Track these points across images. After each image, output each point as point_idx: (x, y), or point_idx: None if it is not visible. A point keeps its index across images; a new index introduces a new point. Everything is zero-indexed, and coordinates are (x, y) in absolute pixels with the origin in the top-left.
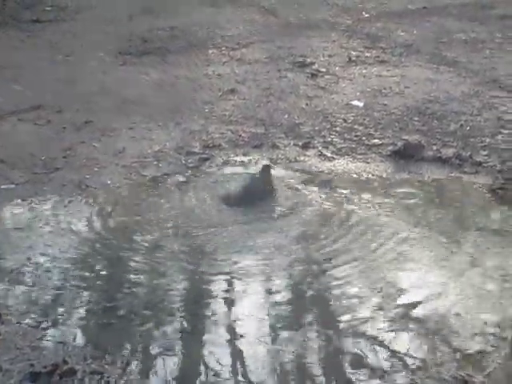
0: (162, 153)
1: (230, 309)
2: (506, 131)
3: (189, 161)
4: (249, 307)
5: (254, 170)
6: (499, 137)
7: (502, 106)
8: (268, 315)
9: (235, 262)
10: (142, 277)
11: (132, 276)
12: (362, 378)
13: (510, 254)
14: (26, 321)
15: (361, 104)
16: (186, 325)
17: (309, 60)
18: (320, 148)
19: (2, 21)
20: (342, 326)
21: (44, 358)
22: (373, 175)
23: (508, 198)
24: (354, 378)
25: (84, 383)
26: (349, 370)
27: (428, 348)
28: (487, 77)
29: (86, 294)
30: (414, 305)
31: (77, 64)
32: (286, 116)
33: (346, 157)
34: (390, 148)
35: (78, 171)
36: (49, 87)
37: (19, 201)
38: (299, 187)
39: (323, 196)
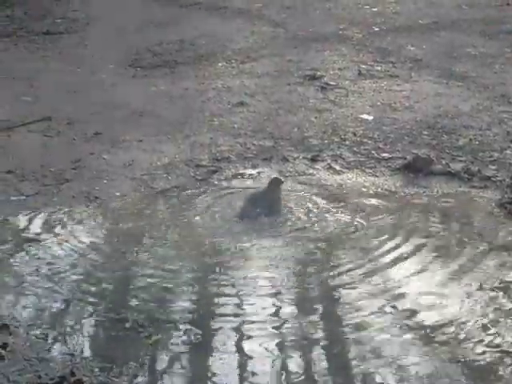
0: (171, 165)
1: (238, 321)
2: None
3: (197, 173)
4: (255, 325)
5: (263, 182)
6: (508, 151)
7: (511, 121)
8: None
9: (243, 275)
10: (149, 289)
11: (140, 288)
12: None
13: None
14: (34, 332)
15: (370, 118)
16: (193, 337)
17: (318, 73)
18: (329, 161)
19: (12, 32)
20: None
21: (51, 369)
22: (382, 189)
23: None
24: None
25: None
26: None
27: (435, 361)
28: (497, 91)
29: (93, 305)
30: (421, 318)
31: (87, 76)
32: (296, 129)
33: (356, 170)
34: (400, 162)
35: (88, 183)
36: (59, 99)
37: (29, 212)
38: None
39: None
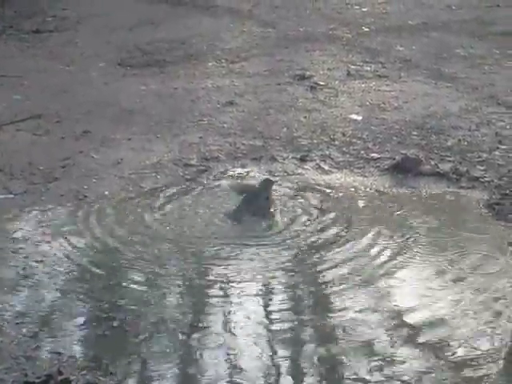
0: (160, 164)
1: (226, 319)
2: (504, 147)
3: (186, 172)
4: (245, 322)
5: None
6: (496, 152)
7: (499, 122)
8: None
9: (231, 277)
10: (137, 288)
11: (127, 287)
12: None
13: (505, 269)
14: (22, 331)
15: (359, 118)
16: (181, 335)
17: (308, 73)
18: (318, 161)
19: (1, 31)
20: None
21: (38, 368)
22: (370, 189)
23: (505, 214)
24: None
25: None
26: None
27: (422, 360)
28: (485, 92)
29: (81, 305)
30: (410, 316)
31: (77, 74)
32: (285, 129)
33: (344, 170)
34: (388, 162)
35: (76, 182)
36: (48, 97)
37: (17, 211)
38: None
39: None
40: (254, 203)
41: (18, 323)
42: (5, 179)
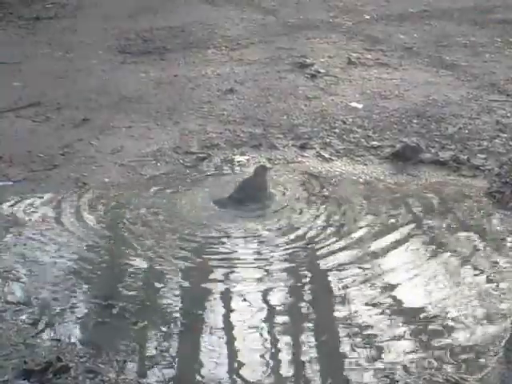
0: (160, 152)
1: (226, 308)
2: (504, 135)
3: (186, 160)
4: (245, 312)
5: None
6: (497, 140)
7: (500, 110)
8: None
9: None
10: (137, 276)
11: (127, 275)
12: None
13: (505, 257)
14: (21, 318)
15: (360, 106)
16: (181, 323)
17: (308, 61)
18: (318, 149)
19: (1, 17)
20: None
21: (37, 355)
22: (370, 177)
23: (505, 202)
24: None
25: (78, 381)
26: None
27: (422, 349)
28: (486, 81)
29: (81, 292)
30: (410, 306)
31: (76, 61)
32: (285, 117)
33: (345, 158)
34: (389, 150)
35: (76, 169)
36: (48, 84)
37: (16, 197)
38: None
39: None
40: (250, 189)
41: (17, 310)
42: (4, 166)
